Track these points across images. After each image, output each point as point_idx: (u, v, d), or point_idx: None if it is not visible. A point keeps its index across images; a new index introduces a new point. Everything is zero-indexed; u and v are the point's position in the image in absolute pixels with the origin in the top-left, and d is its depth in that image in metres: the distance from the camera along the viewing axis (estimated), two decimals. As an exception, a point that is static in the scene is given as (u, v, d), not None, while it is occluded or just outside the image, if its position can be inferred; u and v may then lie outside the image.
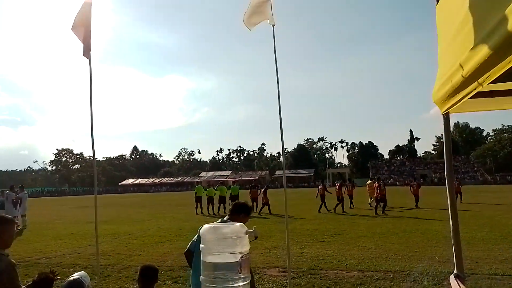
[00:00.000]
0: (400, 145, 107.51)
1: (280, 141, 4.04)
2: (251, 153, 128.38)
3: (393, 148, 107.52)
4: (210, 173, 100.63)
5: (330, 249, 8.71)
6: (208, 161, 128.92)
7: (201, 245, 1.91)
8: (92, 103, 3.72)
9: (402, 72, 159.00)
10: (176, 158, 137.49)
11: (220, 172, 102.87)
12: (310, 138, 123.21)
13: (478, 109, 2.56)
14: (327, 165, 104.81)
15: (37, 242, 11.07)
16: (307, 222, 14.28)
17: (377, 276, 6.28)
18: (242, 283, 1.83)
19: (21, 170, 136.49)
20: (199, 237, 3.30)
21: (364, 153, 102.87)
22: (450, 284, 2.46)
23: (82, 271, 3.41)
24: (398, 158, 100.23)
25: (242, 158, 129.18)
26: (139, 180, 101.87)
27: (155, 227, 14.27)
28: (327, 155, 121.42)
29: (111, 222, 16.45)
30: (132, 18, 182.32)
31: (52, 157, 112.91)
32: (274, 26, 3.80)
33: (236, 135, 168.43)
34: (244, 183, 69.59)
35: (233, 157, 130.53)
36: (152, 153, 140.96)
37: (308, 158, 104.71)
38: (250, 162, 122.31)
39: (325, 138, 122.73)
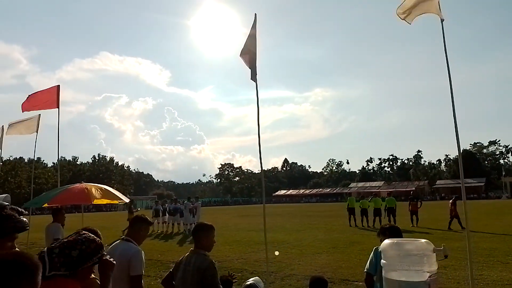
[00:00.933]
0: None
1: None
2: (406, 161, 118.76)
3: None
4: (360, 184, 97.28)
5: (519, 274, 7.28)
6: (357, 172, 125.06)
7: (382, 261, 1.86)
8: (259, 123, 4.11)
9: None
10: (325, 169, 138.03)
11: (371, 182, 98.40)
12: (478, 142, 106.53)
13: None
14: (503, 173, 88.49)
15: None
16: (484, 239, 12.32)
17: None
18: (433, 306, 1.70)
19: (192, 183, 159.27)
20: (377, 257, 3.16)
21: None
22: None
23: (257, 277, 3.71)
24: None
25: (395, 167, 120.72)
26: (291, 191, 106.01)
27: (310, 237, 14.53)
28: (502, 161, 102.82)
29: (269, 230, 17.48)
30: (279, 37, 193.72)
31: (217, 171, 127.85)
32: (443, 22, 3.46)
33: (387, 143, 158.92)
34: (398, 194, 64.71)
35: (384, 166, 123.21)
36: (301, 164, 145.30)
37: (477, 166, 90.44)
38: (405, 171, 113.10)
39: (499, 141, 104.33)
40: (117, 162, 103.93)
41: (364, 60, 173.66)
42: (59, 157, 11.39)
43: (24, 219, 1.76)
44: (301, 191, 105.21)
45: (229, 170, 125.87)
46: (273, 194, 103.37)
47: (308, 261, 9.37)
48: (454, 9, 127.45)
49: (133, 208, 20.57)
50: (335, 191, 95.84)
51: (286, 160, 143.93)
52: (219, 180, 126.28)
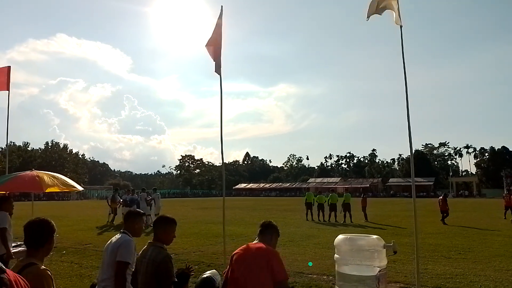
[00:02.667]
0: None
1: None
2: (362, 159, 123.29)
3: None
4: (319, 180, 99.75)
5: (459, 268, 7.82)
6: (316, 167, 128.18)
7: (336, 255, 1.93)
8: (222, 116, 4.08)
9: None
10: (285, 164, 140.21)
11: (328, 178, 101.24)
12: (429, 143, 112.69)
13: None
14: (450, 173, 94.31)
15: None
16: (430, 236, 13.07)
17: (524, 304, 5.41)
18: (382, 299, 1.79)
19: (151, 174, 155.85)
20: None
21: (496, 160, 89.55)
22: None
23: (214, 270, 3.72)
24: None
25: (351, 164, 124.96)
26: (251, 184, 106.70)
27: (268, 231, 14.72)
28: (450, 162, 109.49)
29: (228, 223, 17.53)
30: (246, 31, 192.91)
31: (177, 163, 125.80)
32: (402, 28, 3.60)
33: (345, 141, 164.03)
34: (353, 190, 67.10)
35: (342, 163, 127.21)
36: (262, 159, 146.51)
37: (428, 166, 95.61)
38: (361, 169, 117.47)
39: (448, 143, 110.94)
40: (71, 149, 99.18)
41: (327, 59, 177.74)
42: (8, 142, 10.72)
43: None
44: (261, 185, 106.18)
45: (190, 162, 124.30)
46: (234, 187, 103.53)
47: (265, 254, 9.49)
48: (414, 15, 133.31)
49: (117, 198, 19.86)
50: (294, 185, 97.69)
51: (247, 154, 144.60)
52: (179, 171, 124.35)
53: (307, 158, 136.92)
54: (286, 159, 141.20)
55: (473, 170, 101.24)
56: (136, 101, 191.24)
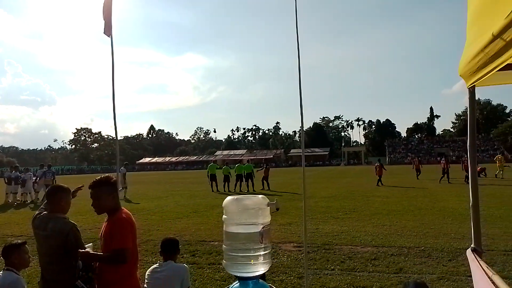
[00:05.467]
0: (419, 123, 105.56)
1: (299, 119, 3.99)
2: (266, 132, 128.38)
3: (411, 126, 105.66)
4: (226, 152, 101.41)
5: (345, 226, 8.77)
6: (223, 140, 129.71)
7: (224, 216, 1.97)
8: (114, 82, 3.74)
9: (423, 47, 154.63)
10: (192, 137, 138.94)
11: (235, 151, 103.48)
12: (326, 117, 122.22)
13: (505, 82, 2.48)
14: (343, 144, 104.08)
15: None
16: (322, 199, 14.35)
17: (392, 251, 6.32)
18: (263, 252, 1.88)
19: (41, 149, 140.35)
20: None
21: (381, 132, 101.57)
22: (467, 258, 2.47)
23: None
24: (416, 136, 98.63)
25: (257, 137, 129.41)
26: (156, 158, 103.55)
27: (173, 203, 14.59)
28: (343, 134, 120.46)
29: (130, 198, 16.89)
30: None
31: (72, 136, 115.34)
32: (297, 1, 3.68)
33: (252, 114, 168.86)
34: (259, 161, 69.94)
35: (248, 136, 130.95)
36: (168, 132, 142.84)
37: (324, 137, 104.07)
38: (265, 141, 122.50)
39: (342, 116, 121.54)
40: None
41: (235, 31, 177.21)
42: None
43: None
44: (167, 158, 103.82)
45: (86, 135, 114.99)
46: (137, 161, 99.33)
47: (167, 226, 9.40)
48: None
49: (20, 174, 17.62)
50: (201, 158, 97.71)
51: (152, 127, 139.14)
52: (73, 146, 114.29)
53: (215, 131, 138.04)
54: (193, 132, 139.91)
55: (362, 140, 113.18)
56: (20, 67, 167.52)
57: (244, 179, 19.98)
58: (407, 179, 24.52)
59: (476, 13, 1.93)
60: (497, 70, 1.67)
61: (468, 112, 2.41)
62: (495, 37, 1.44)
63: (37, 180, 18.28)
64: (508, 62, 1.45)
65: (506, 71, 2.11)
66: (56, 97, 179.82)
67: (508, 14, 1.30)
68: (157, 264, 3.29)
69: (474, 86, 2.26)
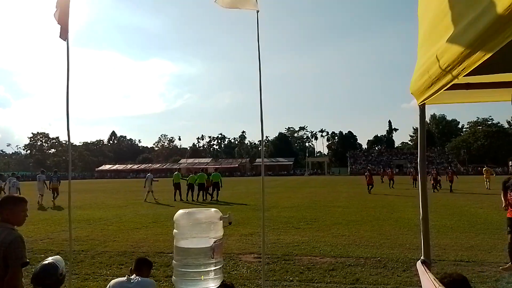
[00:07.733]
0: (379, 135, 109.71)
1: (260, 130, 4.00)
2: (232, 140, 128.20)
3: (371, 138, 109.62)
4: (190, 160, 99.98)
5: (305, 236, 8.84)
6: (188, 148, 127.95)
7: (174, 231, 1.89)
8: (69, 86, 3.57)
9: (384, 62, 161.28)
10: (156, 144, 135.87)
11: (200, 159, 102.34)
12: (291, 127, 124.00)
13: (454, 101, 2.60)
14: (307, 154, 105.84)
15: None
16: (285, 209, 14.43)
17: (349, 262, 6.43)
18: (214, 268, 1.83)
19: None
20: None
21: (344, 143, 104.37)
22: (417, 270, 2.53)
23: (57, 256, 3.36)
24: (376, 148, 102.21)
25: (222, 145, 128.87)
26: (117, 166, 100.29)
27: (132, 213, 14.12)
28: (307, 144, 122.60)
29: (86, 207, 16.19)
30: (113, 0, 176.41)
31: (27, 141, 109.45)
32: (258, 13, 3.70)
33: (218, 122, 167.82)
34: (224, 170, 69.55)
35: (213, 144, 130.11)
36: (131, 138, 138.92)
37: (289, 147, 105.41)
38: (231, 150, 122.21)
39: (306, 127, 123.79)
40: None
41: (202, 39, 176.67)
42: None
43: None
44: (129, 166, 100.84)
45: (43, 140, 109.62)
46: (96, 169, 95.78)
47: (125, 237, 9.05)
48: (284, 5, 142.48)
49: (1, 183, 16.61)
50: (165, 166, 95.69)
51: (113, 133, 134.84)
52: (29, 151, 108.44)
53: (179, 139, 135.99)
54: (157, 140, 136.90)
55: (326, 151, 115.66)
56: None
57: (211, 188, 19.88)
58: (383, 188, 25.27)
59: (425, 34, 2.01)
60: (445, 90, 1.75)
61: (418, 129, 2.50)
62: (437, 60, 1.49)
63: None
64: (451, 84, 1.51)
65: (453, 91, 2.21)
66: (11, 99, 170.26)
67: (449, 39, 1.36)
68: (125, 278, 3.17)
69: (424, 104, 2.35)
